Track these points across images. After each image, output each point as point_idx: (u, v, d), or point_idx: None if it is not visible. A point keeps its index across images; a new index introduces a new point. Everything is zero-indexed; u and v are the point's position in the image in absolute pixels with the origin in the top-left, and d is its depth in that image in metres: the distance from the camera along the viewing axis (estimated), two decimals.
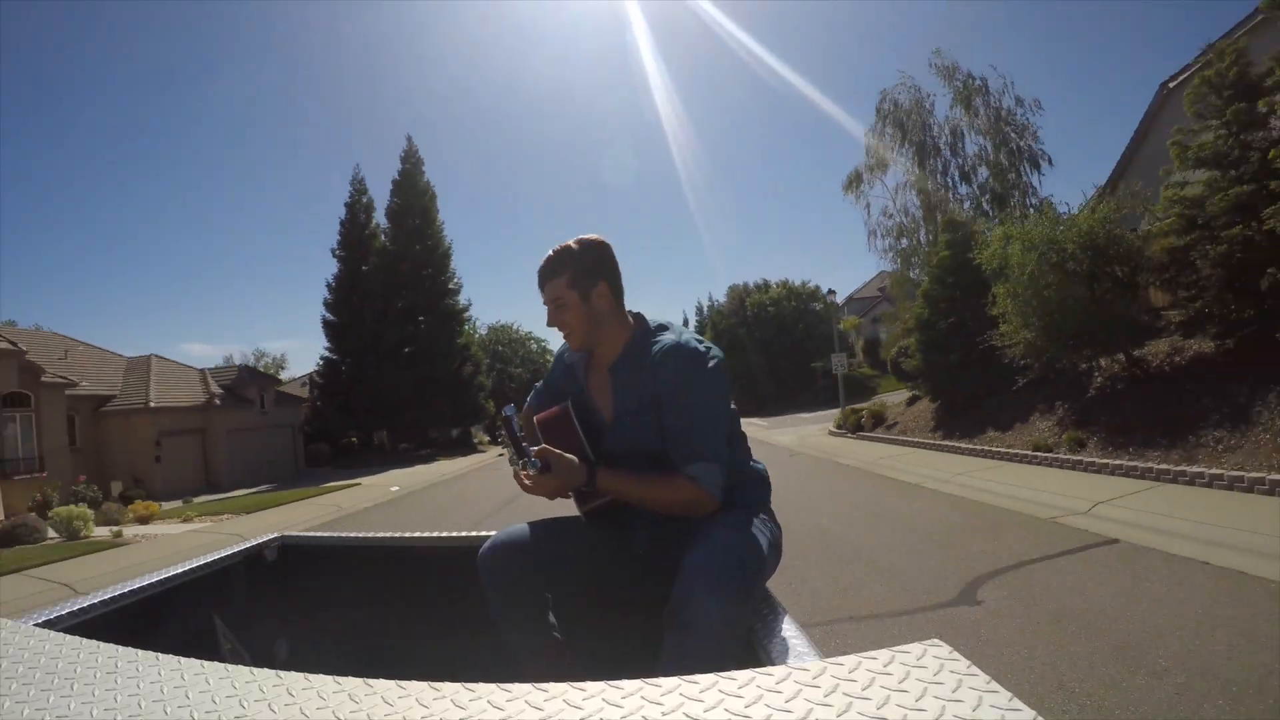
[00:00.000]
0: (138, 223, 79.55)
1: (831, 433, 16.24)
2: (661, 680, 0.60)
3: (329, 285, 29.25)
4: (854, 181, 14.64)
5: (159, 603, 1.48)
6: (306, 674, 0.68)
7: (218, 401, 22.48)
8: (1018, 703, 0.51)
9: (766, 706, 0.54)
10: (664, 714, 0.55)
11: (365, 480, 17.60)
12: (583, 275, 1.41)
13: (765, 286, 37.56)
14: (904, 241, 15.06)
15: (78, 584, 6.83)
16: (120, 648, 0.82)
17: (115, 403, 20.41)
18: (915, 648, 0.61)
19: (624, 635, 1.44)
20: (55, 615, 1.25)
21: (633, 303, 1.51)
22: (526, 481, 1.40)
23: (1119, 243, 8.25)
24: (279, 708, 0.62)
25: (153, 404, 20.20)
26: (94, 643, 0.85)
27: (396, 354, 27.87)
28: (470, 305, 32.44)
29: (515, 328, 47.11)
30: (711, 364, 1.36)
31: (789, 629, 1.05)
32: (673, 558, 1.26)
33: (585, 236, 1.46)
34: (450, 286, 30.61)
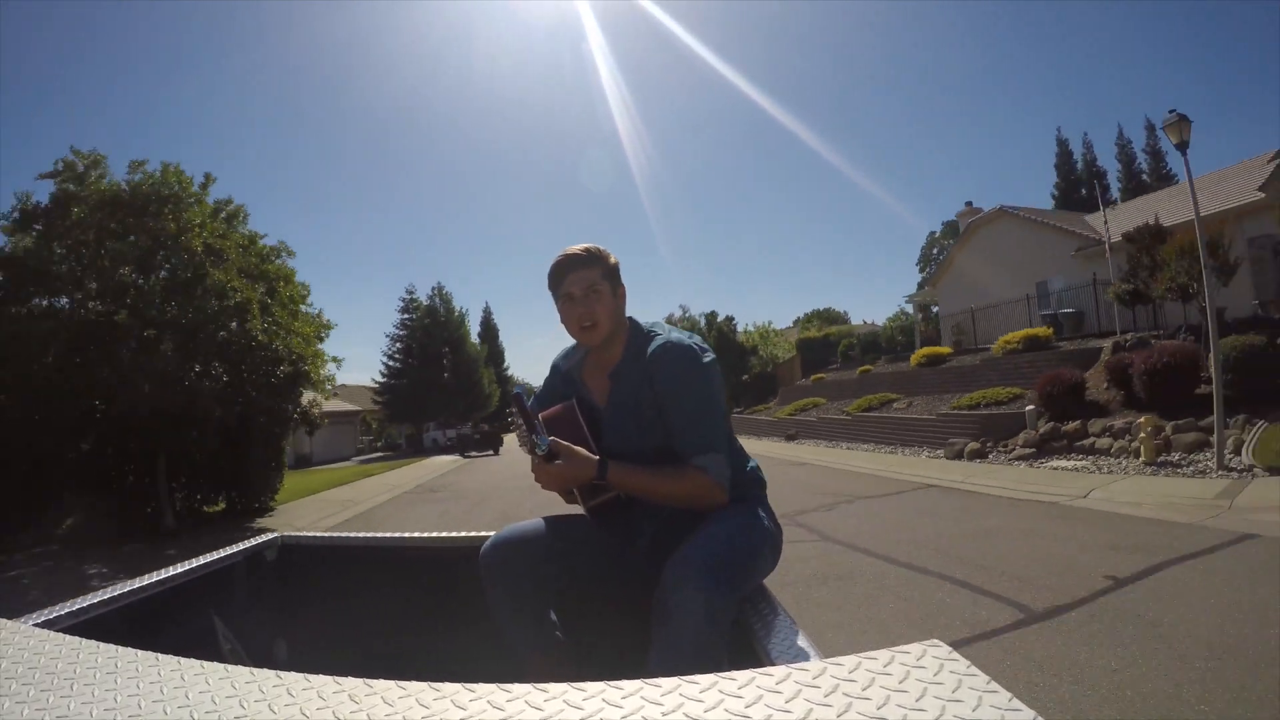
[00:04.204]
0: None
1: None
2: (662, 680, 0.60)
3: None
4: None
5: (159, 602, 1.47)
6: (306, 674, 0.67)
7: None
8: (1017, 703, 0.51)
9: (766, 706, 0.54)
10: (664, 714, 0.54)
11: None
12: (612, 273, 1.45)
13: None
14: None
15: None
16: (120, 648, 0.81)
17: None
18: (915, 648, 0.61)
19: (625, 635, 1.44)
20: (55, 615, 1.24)
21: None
22: (537, 471, 1.38)
23: None
24: (279, 708, 0.61)
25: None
26: (94, 643, 0.84)
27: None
28: (509, 366, 58.24)
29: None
30: (707, 359, 1.37)
31: (789, 629, 1.05)
32: None
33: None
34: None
